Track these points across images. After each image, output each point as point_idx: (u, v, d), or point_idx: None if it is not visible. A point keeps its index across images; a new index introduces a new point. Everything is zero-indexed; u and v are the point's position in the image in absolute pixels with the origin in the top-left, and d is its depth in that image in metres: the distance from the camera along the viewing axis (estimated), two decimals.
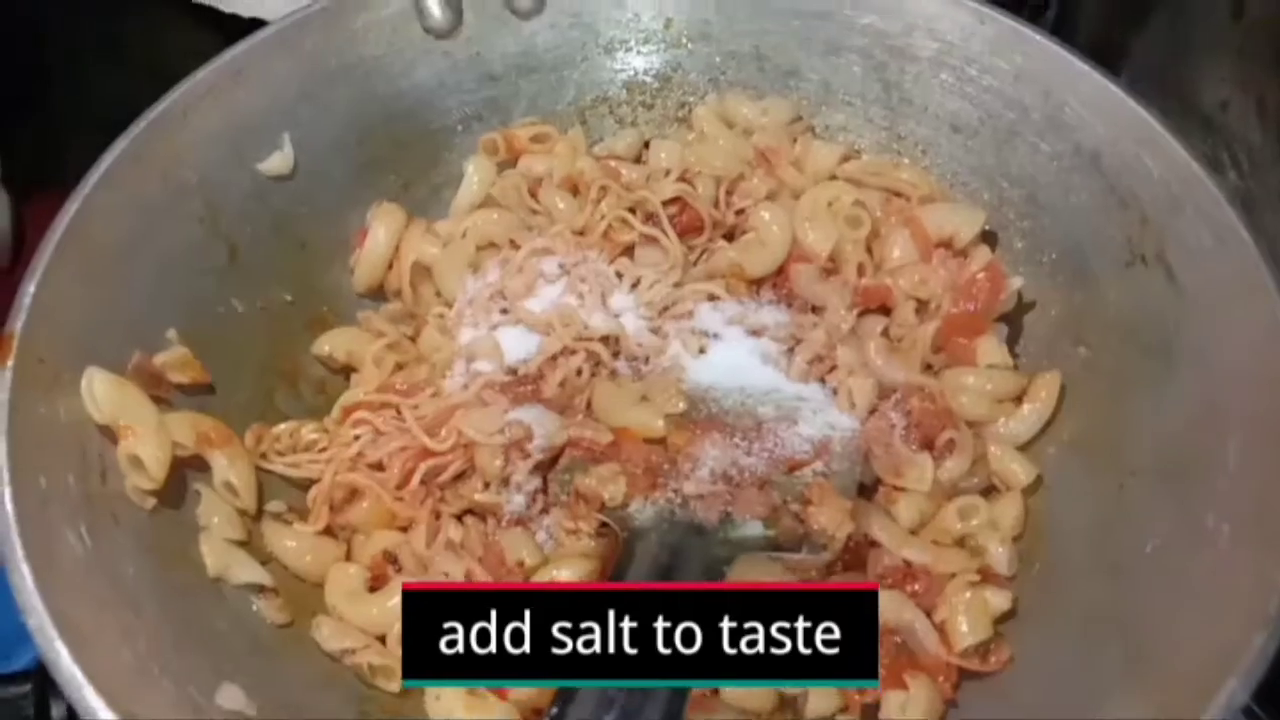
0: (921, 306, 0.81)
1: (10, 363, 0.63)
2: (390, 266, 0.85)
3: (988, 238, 0.83)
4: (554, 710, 0.54)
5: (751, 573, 0.66)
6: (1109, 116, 0.78)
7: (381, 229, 0.85)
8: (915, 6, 0.86)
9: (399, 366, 0.81)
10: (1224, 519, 0.62)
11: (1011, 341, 0.81)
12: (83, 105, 1.10)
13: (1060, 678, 0.63)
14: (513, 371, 0.78)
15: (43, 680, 0.68)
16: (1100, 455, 0.73)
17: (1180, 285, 0.73)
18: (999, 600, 0.68)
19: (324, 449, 0.76)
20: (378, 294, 0.87)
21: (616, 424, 0.72)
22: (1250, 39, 0.92)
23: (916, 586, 0.68)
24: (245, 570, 0.69)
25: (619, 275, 0.82)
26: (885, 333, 0.81)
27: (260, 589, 0.69)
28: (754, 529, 0.67)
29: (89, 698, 0.55)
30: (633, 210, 0.83)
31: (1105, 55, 0.84)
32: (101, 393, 0.67)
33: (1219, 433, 0.66)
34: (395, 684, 0.68)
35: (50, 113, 1.13)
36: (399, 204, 0.87)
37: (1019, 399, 0.77)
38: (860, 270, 0.82)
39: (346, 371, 0.83)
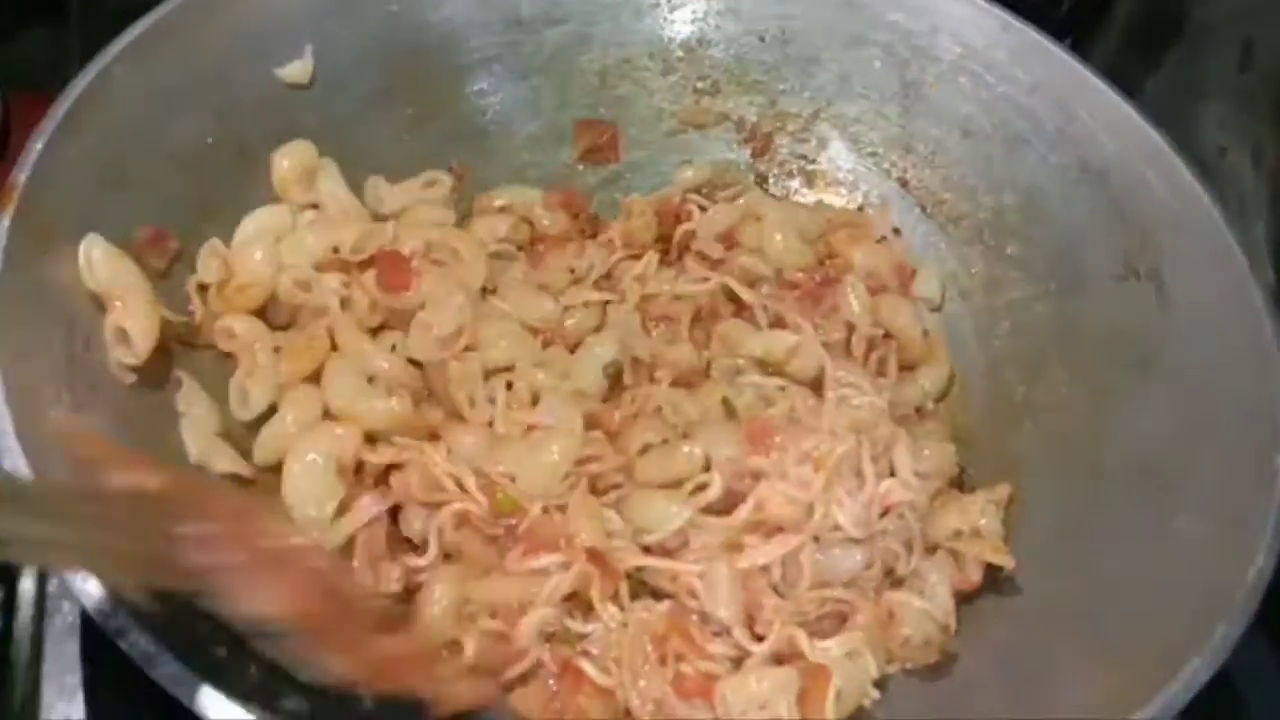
0: None
1: (10, 211, 0.62)
2: None
3: None
4: None
5: None
6: (1119, 134, 0.80)
7: None
8: (943, 8, 0.88)
9: None
10: (1193, 522, 0.64)
11: None
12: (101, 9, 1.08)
13: (1016, 659, 0.64)
14: None
15: None
16: (1074, 458, 0.74)
17: (1170, 301, 0.75)
18: None
19: None
20: None
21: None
22: (1253, 90, 0.95)
23: None
24: (226, 460, 0.68)
25: None
26: None
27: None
28: None
29: None
30: None
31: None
32: (99, 260, 0.66)
33: (1193, 444, 0.68)
34: None
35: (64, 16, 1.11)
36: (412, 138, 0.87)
37: None
38: None
39: None
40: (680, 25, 0.93)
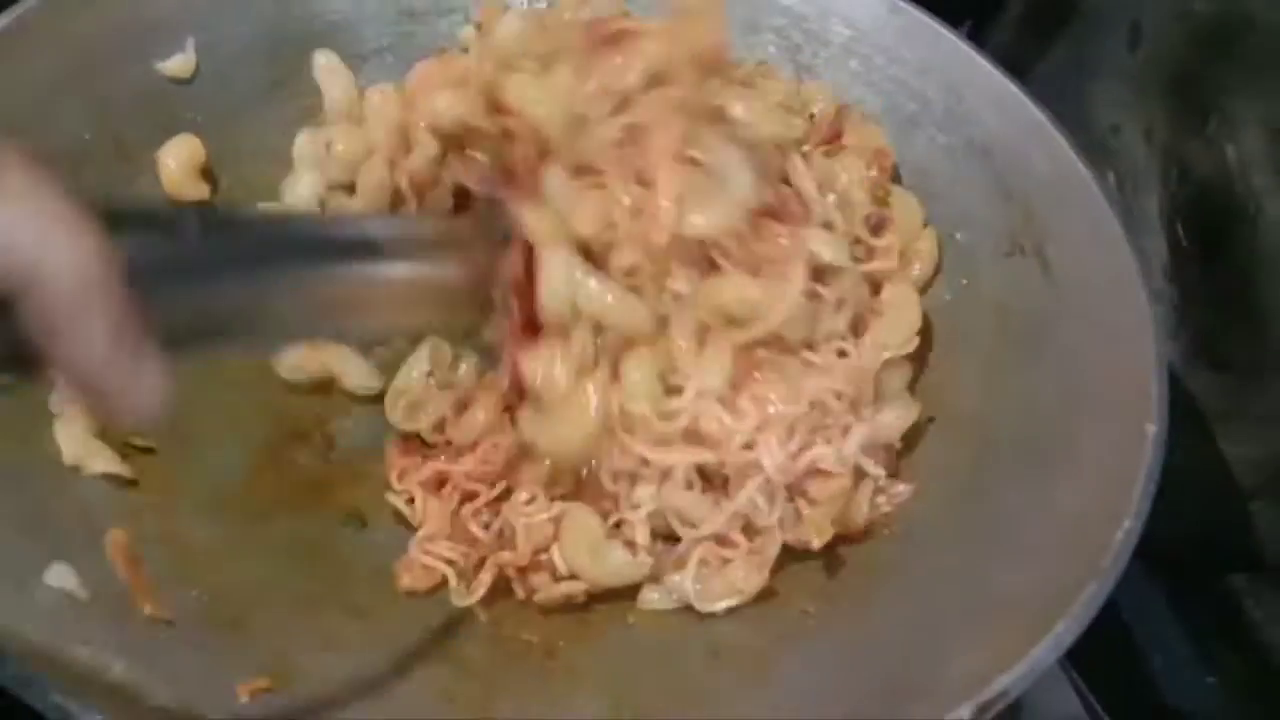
0: None
1: None
2: None
3: None
4: None
5: None
6: (1004, 112, 0.81)
7: None
8: None
9: None
10: (1072, 489, 0.65)
11: None
12: None
13: (906, 627, 0.65)
14: None
15: None
16: (964, 431, 0.75)
17: (1054, 276, 0.76)
18: None
19: None
20: None
21: None
22: (1143, 70, 0.96)
23: None
24: (103, 461, 0.66)
25: None
26: None
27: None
28: None
29: None
30: None
31: (1012, 72, 0.87)
32: None
33: (1074, 415, 0.69)
34: None
35: None
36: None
37: None
38: None
39: None
40: None
